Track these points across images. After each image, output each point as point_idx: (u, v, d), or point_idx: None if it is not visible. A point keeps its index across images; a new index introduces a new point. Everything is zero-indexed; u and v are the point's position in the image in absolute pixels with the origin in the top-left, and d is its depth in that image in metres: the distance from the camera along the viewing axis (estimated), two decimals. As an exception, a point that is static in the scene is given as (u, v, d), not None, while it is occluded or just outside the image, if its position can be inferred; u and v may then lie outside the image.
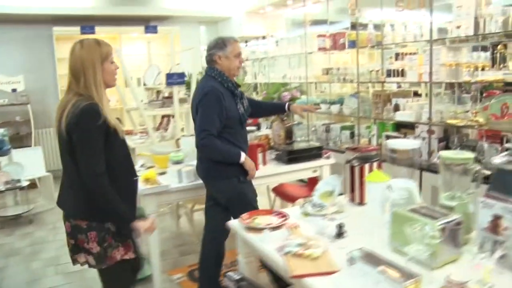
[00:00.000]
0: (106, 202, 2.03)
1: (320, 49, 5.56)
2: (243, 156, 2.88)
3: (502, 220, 1.66)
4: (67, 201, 2.14)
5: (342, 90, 6.81)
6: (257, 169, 3.51)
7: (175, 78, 5.02)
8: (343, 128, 5.45)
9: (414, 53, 4.59)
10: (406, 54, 4.70)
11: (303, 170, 3.76)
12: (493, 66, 4.02)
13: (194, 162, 3.55)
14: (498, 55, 3.94)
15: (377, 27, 4.87)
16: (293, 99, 4.36)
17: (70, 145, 2.01)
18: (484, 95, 4.83)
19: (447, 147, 4.30)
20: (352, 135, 5.31)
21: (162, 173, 3.52)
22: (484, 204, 1.73)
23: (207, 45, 2.99)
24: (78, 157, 1.99)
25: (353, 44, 5.07)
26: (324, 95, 6.94)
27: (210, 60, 2.93)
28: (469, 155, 1.91)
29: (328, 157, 3.88)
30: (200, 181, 3.16)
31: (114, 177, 2.07)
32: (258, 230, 2.20)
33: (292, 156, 3.71)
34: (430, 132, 4.36)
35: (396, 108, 4.72)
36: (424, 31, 4.27)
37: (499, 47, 3.98)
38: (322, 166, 3.83)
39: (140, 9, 6.59)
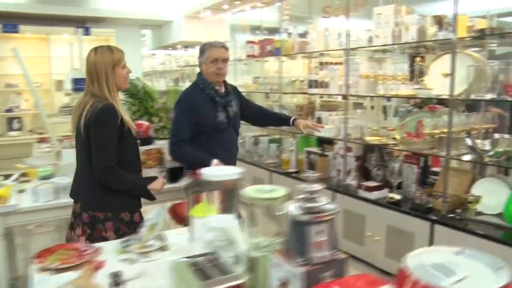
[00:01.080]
0: (121, 187, 2.26)
1: (248, 56, 5.10)
2: (214, 163, 2.65)
3: (289, 286, 1.18)
4: (83, 193, 2.31)
5: (292, 100, 6.34)
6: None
7: (82, 84, 4.50)
8: (270, 141, 4.99)
9: (340, 63, 4.15)
10: (330, 63, 4.26)
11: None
12: (411, 79, 3.59)
13: (66, 178, 3.05)
14: (417, 67, 3.51)
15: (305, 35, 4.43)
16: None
17: (88, 142, 2.18)
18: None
19: (364, 166, 3.85)
20: (278, 148, 4.85)
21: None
22: (274, 263, 1.26)
23: None
24: (92, 151, 2.17)
25: (278, 51, 4.63)
26: (275, 105, 6.46)
27: (199, 65, 2.89)
28: (279, 193, 1.42)
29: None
30: (61, 200, 2.74)
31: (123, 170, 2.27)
32: (43, 270, 1.71)
33: (176, 173, 3.25)
34: (347, 149, 3.90)
35: (319, 121, 4.26)
36: (351, 40, 3.82)
37: (417, 59, 3.55)
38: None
39: (72, 9, 6.07)
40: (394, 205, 3.32)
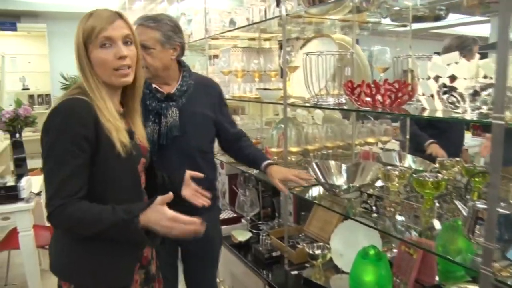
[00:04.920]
0: (85, 231, 1.19)
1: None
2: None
3: None
4: (51, 248, 1.35)
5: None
6: None
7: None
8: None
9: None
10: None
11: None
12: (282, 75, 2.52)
13: None
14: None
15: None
16: (25, 118, 2.79)
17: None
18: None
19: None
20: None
21: None
22: None
23: None
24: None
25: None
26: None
27: None
28: None
29: (28, 201, 2.50)
30: None
31: None
32: None
33: None
34: (220, 165, 2.88)
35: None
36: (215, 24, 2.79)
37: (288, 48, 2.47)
38: (16, 212, 2.46)
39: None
40: (236, 248, 2.28)
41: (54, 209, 1.14)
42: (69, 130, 1.16)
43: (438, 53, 2.56)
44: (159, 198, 1.17)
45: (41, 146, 1.19)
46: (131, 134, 1.32)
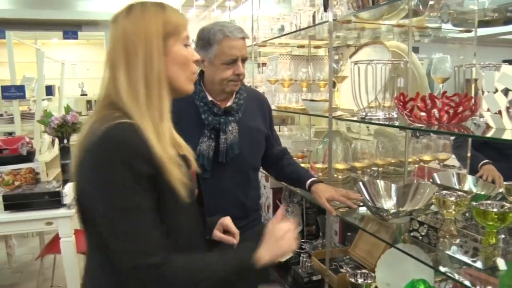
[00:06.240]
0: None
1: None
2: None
3: None
4: (85, 282, 1.07)
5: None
6: None
7: (13, 91, 3.95)
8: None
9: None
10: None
11: (30, 221, 2.48)
12: (334, 86, 2.37)
13: None
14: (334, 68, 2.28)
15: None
16: (73, 125, 2.81)
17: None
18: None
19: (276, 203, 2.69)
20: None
21: None
22: None
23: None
24: (100, 224, 0.92)
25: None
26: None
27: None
28: None
29: (70, 207, 2.52)
30: None
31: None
32: None
33: (12, 202, 2.47)
34: (265, 178, 2.77)
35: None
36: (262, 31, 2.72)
37: (337, 56, 2.32)
38: (58, 218, 2.49)
39: (59, 13, 5.56)
40: (274, 268, 2.15)
41: (142, 270, 0.89)
42: (131, 167, 0.88)
43: (508, 61, 2.30)
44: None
45: (91, 182, 0.91)
46: (185, 161, 1.05)
